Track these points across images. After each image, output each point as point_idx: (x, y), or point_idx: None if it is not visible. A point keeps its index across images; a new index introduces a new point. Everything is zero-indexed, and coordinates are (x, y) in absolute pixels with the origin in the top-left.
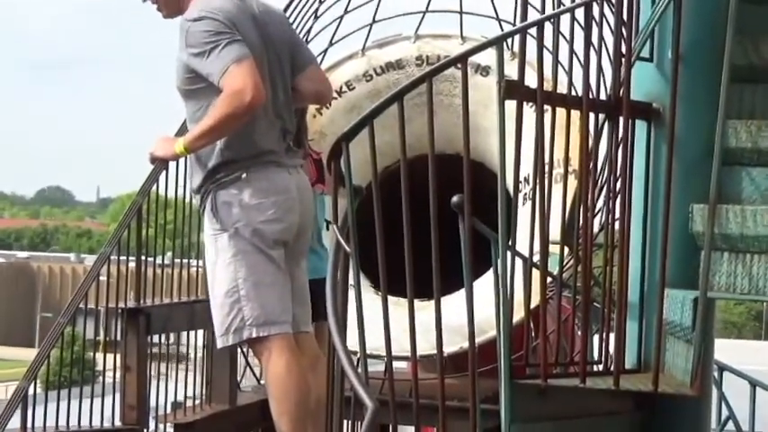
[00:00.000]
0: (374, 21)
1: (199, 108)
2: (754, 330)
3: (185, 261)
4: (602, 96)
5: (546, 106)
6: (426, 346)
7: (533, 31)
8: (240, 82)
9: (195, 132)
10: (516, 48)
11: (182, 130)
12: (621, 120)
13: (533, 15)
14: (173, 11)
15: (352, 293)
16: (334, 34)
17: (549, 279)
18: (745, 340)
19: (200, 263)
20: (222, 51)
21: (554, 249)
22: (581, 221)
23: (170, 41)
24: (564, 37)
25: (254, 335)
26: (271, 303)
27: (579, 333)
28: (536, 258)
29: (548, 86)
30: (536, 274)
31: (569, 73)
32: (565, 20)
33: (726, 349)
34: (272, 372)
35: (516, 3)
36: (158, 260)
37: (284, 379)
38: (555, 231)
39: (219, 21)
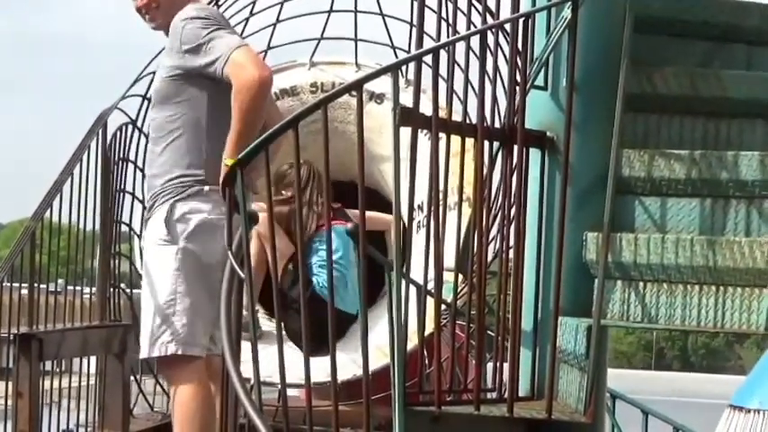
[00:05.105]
0: (269, 47)
1: (173, 114)
2: (644, 360)
3: (78, 288)
4: (497, 124)
5: (441, 134)
6: (321, 375)
7: (428, 58)
8: (245, 66)
9: (233, 139)
10: (411, 75)
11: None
12: (516, 148)
13: (429, 43)
14: (167, 21)
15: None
16: None
17: (443, 306)
18: (636, 370)
19: (94, 290)
20: (224, 39)
21: (448, 277)
22: (475, 249)
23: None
24: (459, 65)
25: (179, 351)
26: (198, 325)
27: (473, 361)
28: (430, 286)
29: (443, 114)
30: (430, 301)
31: (464, 101)
32: (460, 48)
33: (617, 378)
34: (180, 395)
35: (411, 30)
36: (51, 287)
37: (190, 403)
38: (449, 259)
39: (215, 19)
